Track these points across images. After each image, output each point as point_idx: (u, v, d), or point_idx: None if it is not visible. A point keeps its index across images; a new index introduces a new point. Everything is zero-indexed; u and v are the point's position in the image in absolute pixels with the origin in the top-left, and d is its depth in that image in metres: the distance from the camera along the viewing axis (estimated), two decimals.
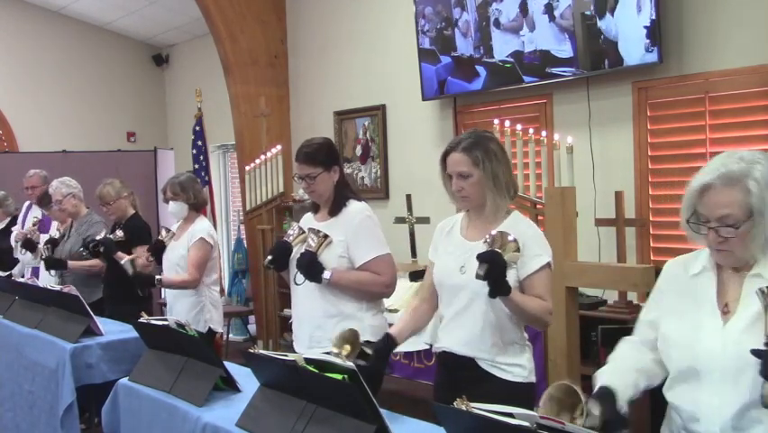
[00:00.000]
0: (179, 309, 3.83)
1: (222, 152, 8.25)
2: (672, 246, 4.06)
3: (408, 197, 5.06)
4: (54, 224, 5.23)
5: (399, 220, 5.06)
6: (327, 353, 2.06)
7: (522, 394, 2.29)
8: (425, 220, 4.80)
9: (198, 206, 4.06)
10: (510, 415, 1.45)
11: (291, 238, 2.92)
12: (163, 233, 4.02)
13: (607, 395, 1.73)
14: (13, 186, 6.05)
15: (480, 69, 4.99)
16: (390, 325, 3.55)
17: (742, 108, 3.93)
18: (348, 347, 2.26)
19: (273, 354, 2.04)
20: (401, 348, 4.27)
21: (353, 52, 6.23)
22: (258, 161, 6.17)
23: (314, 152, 2.88)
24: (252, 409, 2.07)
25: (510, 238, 2.14)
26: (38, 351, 3.35)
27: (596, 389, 1.77)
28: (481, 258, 2.09)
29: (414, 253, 4.97)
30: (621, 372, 1.82)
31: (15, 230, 5.71)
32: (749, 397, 1.64)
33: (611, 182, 4.33)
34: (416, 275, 4.23)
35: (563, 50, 4.48)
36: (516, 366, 2.32)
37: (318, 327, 2.83)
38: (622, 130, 4.41)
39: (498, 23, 4.85)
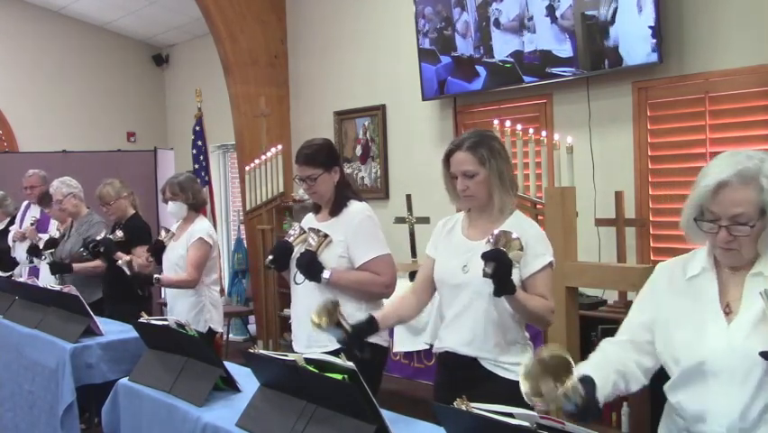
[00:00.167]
0: (179, 309, 3.83)
1: (222, 152, 8.25)
2: (672, 246, 4.06)
3: (408, 197, 5.06)
4: (54, 223, 5.23)
5: (399, 220, 5.06)
6: (327, 352, 2.06)
7: None
8: (425, 220, 4.80)
9: (198, 206, 4.06)
10: (510, 415, 1.45)
11: (292, 238, 2.92)
12: (163, 233, 4.02)
13: (588, 383, 1.72)
14: (12, 186, 6.05)
15: (480, 68, 4.99)
16: None
17: (742, 108, 3.93)
18: (325, 319, 2.26)
19: (273, 354, 2.05)
20: (401, 348, 4.30)
21: (353, 52, 6.23)
22: (258, 161, 6.18)
23: (314, 153, 2.88)
24: (252, 409, 2.07)
25: (514, 237, 2.14)
26: (38, 351, 3.35)
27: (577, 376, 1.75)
28: (487, 257, 2.09)
29: (414, 253, 4.97)
30: (602, 370, 1.80)
31: (13, 229, 5.71)
32: (756, 397, 1.64)
33: (611, 182, 4.33)
34: (416, 275, 4.23)
35: (564, 49, 4.48)
36: (519, 365, 2.32)
37: None
38: (622, 130, 4.41)
39: (498, 23, 4.85)
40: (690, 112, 4.14)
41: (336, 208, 2.90)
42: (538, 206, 3.96)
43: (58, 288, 3.65)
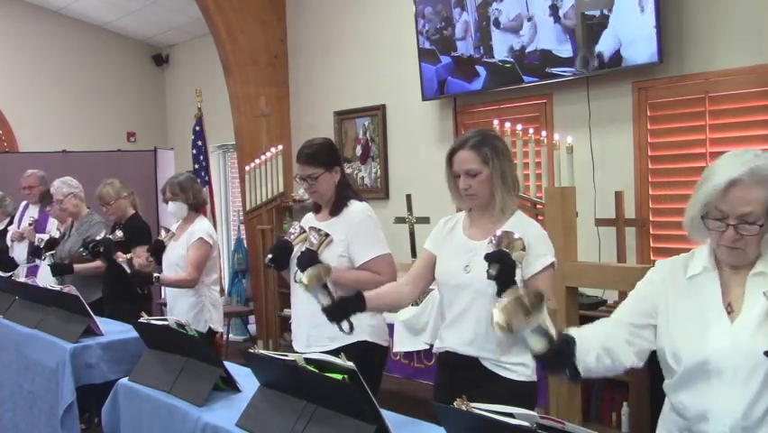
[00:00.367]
0: (179, 309, 3.83)
1: (222, 152, 8.25)
2: (672, 246, 4.05)
3: (408, 197, 5.06)
4: (53, 223, 5.23)
5: (399, 220, 5.06)
6: (327, 352, 2.06)
7: (525, 393, 2.29)
8: (425, 220, 4.80)
9: (198, 206, 4.06)
10: (510, 415, 1.45)
11: (292, 237, 2.92)
12: (162, 233, 4.02)
13: (567, 337, 1.73)
14: (12, 186, 6.05)
15: (480, 68, 4.99)
16: (389, 325, 3.56)
17: (742, 108, 3.93)
18: (314, 279, 2.28)
19: (273, 354, 2.04)
20: (401, 348, 4.30)
21: (354, 52, 6.23)
22: (258, 161, 6.18)
23: (315, 152, 2.89)
24: (252, 409, 2.07)
25: (516, 237, 2.14)
26: (38, 351, 3.35)
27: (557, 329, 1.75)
28: (491, 258, 2.09)
29: (414, 253, 4.97)
30: (587, 340, 1.80)
31: (12, 229, 5.72)
32: (760, 396, 1.64)
33: (611, 182, 4.33)
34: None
35: (564, 49, 4.48)
36: (520, 365, 2.32)
37: (317, 326, 2.83)
38: (622, 130, 4.41)
39: (498, 23, 4.85)
40: (690, 112, 4.14)
41: (337, 208, 2.90)
42: (538, 206, 3.96)
43: (58, 288, 3.64)
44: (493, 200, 2.34)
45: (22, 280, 4.24)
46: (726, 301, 1.74)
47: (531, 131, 4.21)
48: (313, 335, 2.84)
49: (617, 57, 4.23)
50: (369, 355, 2.78)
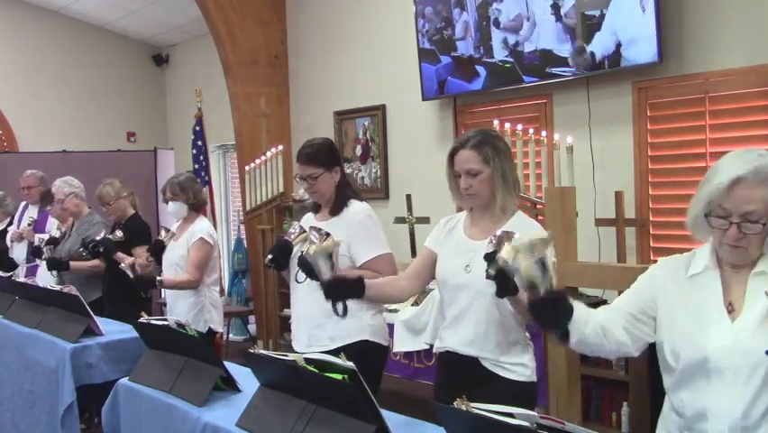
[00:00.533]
0: (179, 309, 3.83)
1: (222, 152, 8.25)
2: (672, 246, 4.05)
3: (408, 197, 5.06)
4: (53, 223, 5.23)
5: (399, 220, 5.06)
6: (327, 352, 2.06)
7: (525, 393, 2.29)
8: (425, 220, 4.80)
9: (198, 206, 4.05)
10: (510, 415, 1.44)
11: (292, 237, 2.92)
12: (162, 233, 4.02)
13: (566, 295, 1.76)
14: (13, 186, 6.05)
15: (480, 68, 4.99)
16: (389, 325, 3.56)
17: (742, 108, 3.93)
18: (321, 249, 2.31)
19: (273, 354, 2.04)
20: (401, 348, 4.30)
21: (354, 52, 6.23)
22: (258, 161, 6.18)
23: (315, 152, 2.89)
24: (252, 409, 2.07)
25: (516, 237, 2.14)
26: (38, 351, 3.35)
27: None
28: (490, 258, 2.09)
29: (414, 254, 4.97)
30: (588, 312, 1.83)
31: (12, 230, 5.72)
32: (759, 396, 1.64)
33: (611, 182, 4.33)
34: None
35: (564, 49, 4.48)
36: (520, 365, 2.32)
37: (317, 325, 2.83)
38: (622, 130, 4.41)
39: (498, 23, 4.85)
40: (690, 112, 4.14)
41: (337, 208, 2.90)
42: (538, 206, 3.96)
43: (58, 288, 3.64)
44: (494, 200, 2.34)
45: (22, 280, 4.24)
46: (727, 300, 1.74)
47: (531, 131, 4.21)
48: (314, 335, 2.84)
49: (616, 57, 4.23)
50: (369, 355, 2.78)
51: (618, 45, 4.21)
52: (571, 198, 3.61)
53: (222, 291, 5.45)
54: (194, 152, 7.38)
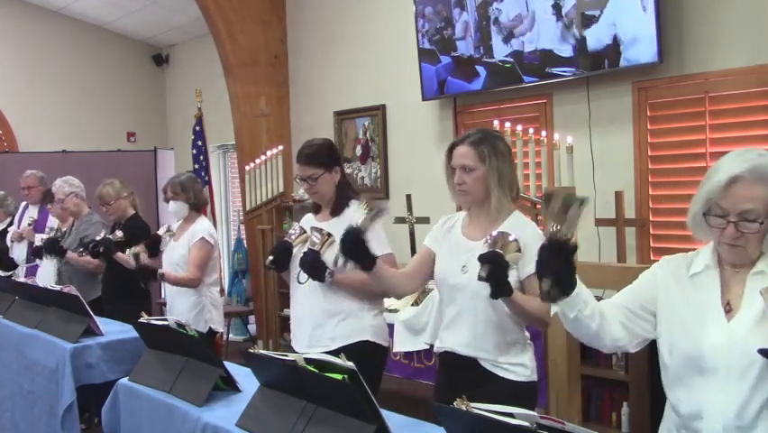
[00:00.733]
0: (179, 309, 3.83)
1: (222, 152, 8.25)
2: (672, 246, 4.05)
3: (408, 197, 5.06)
4: (53, 221, 5.22)
5: (399, 220, 5.06)
6: (327, 352, 2.06)
7: (524, 393, 2.29)
8: (425, 220, 4.80)
9: (199, 206, 4.06)
10: (510, 415, 1.44)
11: (292, 238, 2.92)
12: (162, 230, 4.04)
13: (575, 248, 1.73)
14: (13, 186, 6.05)
15: (480, 68, 4.99)
16: (389, 325, 3.56)
17: (742, 108, 3.93)
18: (368, 212, 2.32)
19: (273, 354, 2.04)
20: (401, 348, 4.29)
21: (354, 52, 6.23)
22: (258, 160, 6.17)
23: (315, 152, 2.89)
24: (252, 409, 2.07)
25: (511, 239, 2.14)
26: (38, 351, 3.35)
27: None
28: (483, 259, 2.08)
29: (414, 254, 4.97)
30: (589, 295, 1.81)
31: (12, 230, 5.72)
32: (753, 395, 1.64)
33: (611, 182, 4.33)
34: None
35: (564, 49, 4.48)
36: (519, 366, 2.32)
37: (318, 326, 2.83)
38: (622, 130, 4.41)
39: (498, 23, 4.85)
40: (690, 112, 4.14)
41: (337, 208, 2.90)
42: (538, 206, 3.96)
43: (58, 288, 3.65)
44: (488, 200, 2.34)
45: (22, 280, 4.24)
46: (726, 300, 1.74)
47: (531, 131, 4.21)
48: (314, 335, 2.84)
49: (617, 57, 4.23)
50: (369, 355, 2.78)
51: (618, 45, 4.21)
52: None
53: (222, 291, 5.45)
54: (194, 152, 7.38)
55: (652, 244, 4.32)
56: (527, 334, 2.41)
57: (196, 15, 6.82)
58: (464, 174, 2.33)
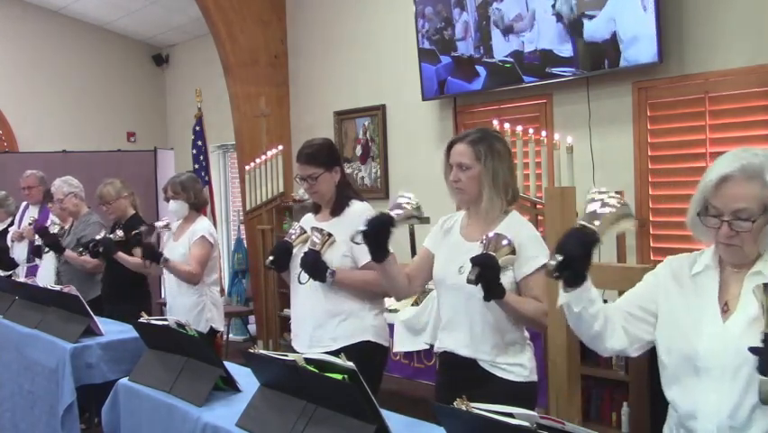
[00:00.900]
0: (180, 309, 3.84)
1: (222, 152, 8.25)
2: (672, 246, 4.05)
3: None
4: (53, 219, 5.23)
5: None
6: (327, 352, 2.06)
7: (523, 394, 2.29)
8: (426, 220, 4.79)
9: (199, 205, 4.06)
10: (510, 415, 1.44)
11: (293, 238, 2.92)
12: (160, 223, 4.06)
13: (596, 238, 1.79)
14: (13, 186, 6.05)
15: (480, 68, 4.99)
16: (389, 325, 3.56)
17: (742, 108, 3.93)
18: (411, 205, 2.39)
19: (273, 354, 2.04)
20: (401, 348, 4.30)
21: (354, 52, 6.22)
22: (258, 160, 6.17)
23: (315, 152, 2.89)
24: (252, 409, 2.07)
25: (504, 242, 2.13)
26: (38, 351, 3.35)
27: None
28: (473, 262, 2.08)
29: (414, 254, 4.97)
30: (597, 295, 1.84)
31: (12, 230, 5.72)
32: (746, 395, 1.64)
33: (611, 182, 4.32)
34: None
35: (564, 49, 4.48)
36: (518, 366, 2.32)
37: (320, 326, 2.83)
38: (622, 130, 4.41)
39: (497, 23, 4.85)
40: (690, 112, 4.14)
41: (338, 208, 2.90)
42: (538, 206, 3.96)
43: (57, 288, 3.65)
44: (480, 199, 2.34)
45: (22, 280, 4.24)
46: (723, 300, 1.75)
47: (531, 131, 4.21)
48: (315, 335, 2.84)
49: (616, 57, 4.23)
50: (369, 355, 2.78)
51: (618, 45, 4.21)
52: (571, 198, 3.60)
53: (222, 291, 5.45)
54: (194, 152, 7.38)
55: (652, 244, 4.32)
56: (527, 334, 2.41)
57: (196, 15, 6.82)
58: (460, 172, 2.34)
